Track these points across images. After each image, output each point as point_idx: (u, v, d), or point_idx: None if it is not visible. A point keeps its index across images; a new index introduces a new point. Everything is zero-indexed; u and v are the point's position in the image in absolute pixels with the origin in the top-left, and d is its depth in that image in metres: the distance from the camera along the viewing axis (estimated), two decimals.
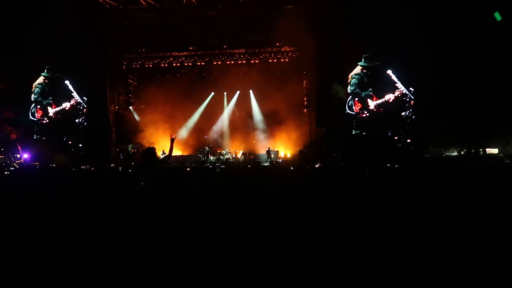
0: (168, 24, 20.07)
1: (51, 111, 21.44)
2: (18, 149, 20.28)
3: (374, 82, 19.24)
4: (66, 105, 21.31)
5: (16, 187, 7.76)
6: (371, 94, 19.33)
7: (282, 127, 22.89)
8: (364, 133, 19.07)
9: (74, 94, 21.12)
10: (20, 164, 18.81)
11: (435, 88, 17.07)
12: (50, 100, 21.38)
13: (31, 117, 21.31)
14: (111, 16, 19.65)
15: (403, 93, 18.81)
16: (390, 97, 19.06)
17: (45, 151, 20.18)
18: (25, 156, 19.95)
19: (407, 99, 18.84)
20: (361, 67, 19.29)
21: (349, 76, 19.40)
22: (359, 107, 19.40)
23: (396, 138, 18.53)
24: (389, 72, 18.98)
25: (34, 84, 21.35)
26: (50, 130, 21.34)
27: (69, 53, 19.46)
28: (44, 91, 21.37)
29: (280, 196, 5.90)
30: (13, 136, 21.06)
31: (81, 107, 21.27)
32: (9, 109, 20.87)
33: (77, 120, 21.12)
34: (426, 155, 18.31)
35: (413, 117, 18.52)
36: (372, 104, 19.33)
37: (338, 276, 3.01)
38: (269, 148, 21.95)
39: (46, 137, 21.22)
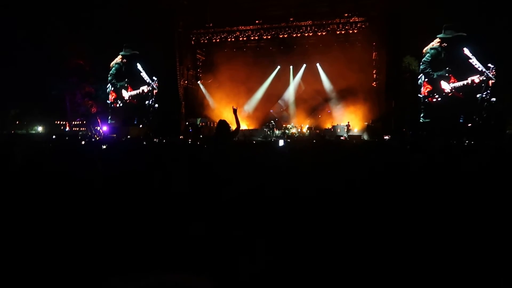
0: None
1: (126, 94, 22.61)
2: (98, 121, 21.84)
3: (452, 60, 16.67)
4: (143, 88, 22.38)
5: (91, 156, 8.40)
6: (447, 75, 16.81)
7: (350, 100, 22.13)
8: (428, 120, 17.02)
9: (145, 76, 22.05)
10: (99, 135, 20.27)
11: None
12: (126, 82, 22.58)
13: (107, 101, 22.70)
14: None
15: (485, 75, 16.04)
16: (472, 79, 16.18)
17: (122, 124, 21.56)
18: (104, 128, 21.43)
19: (484, 79, 16.40)
20: (439, 40, 16.77)
21: (424, 50, 17.57)
22: (428, 89, 17.10)
23: (469, 125, 16.23)
24: (465, 49, 16.21)
25: (112, 63, 22.59)
26: (124, 113, 22.54)
27: (141, 31, 20.34)
28: (120, 72, 22.61)
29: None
30: (93, 109, 22.67)
31: (152, 88, 22.25)
32: (89, 85, 22.40)
33: (146, 102, 22.12)
34: (507, 131, 16.83)
35: (492, 99, 16.37)
36: (447, 87, 16.72)
37: None
38: (348, 122, 21.41)
39: (119, 122, 22.34)
